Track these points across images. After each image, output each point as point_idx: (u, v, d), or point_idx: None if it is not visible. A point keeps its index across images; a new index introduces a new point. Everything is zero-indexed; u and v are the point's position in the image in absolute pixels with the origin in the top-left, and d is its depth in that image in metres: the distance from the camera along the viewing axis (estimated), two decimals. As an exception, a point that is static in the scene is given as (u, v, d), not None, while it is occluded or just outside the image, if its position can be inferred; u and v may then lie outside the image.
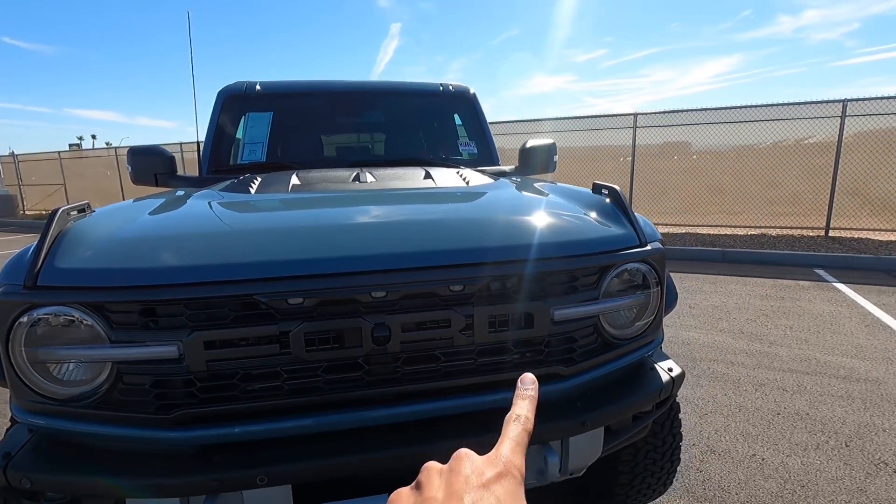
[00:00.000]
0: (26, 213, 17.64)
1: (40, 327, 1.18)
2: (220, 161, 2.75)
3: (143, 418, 1.21)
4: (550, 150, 3.03)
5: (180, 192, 2.02)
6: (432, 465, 0.42)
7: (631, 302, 1.48)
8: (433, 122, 3.20)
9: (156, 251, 1.27)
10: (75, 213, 1.43)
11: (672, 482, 2.06)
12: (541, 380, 1.47)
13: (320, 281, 1.21)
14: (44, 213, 16.61)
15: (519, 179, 2.41)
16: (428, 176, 2.15)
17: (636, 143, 9.89)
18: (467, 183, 2.07)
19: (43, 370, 1.20)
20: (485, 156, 3.02)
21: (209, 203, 1.70)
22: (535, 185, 2.18)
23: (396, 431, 1.31)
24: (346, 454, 1.25)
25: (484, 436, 1.31)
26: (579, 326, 1.43)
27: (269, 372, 1.25)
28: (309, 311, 1.23)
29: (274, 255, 1.24)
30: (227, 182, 2.19)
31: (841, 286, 5.95)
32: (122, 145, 17.79)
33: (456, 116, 3.27)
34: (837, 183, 8.32)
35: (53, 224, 1.28)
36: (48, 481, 1.20)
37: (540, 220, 1.51)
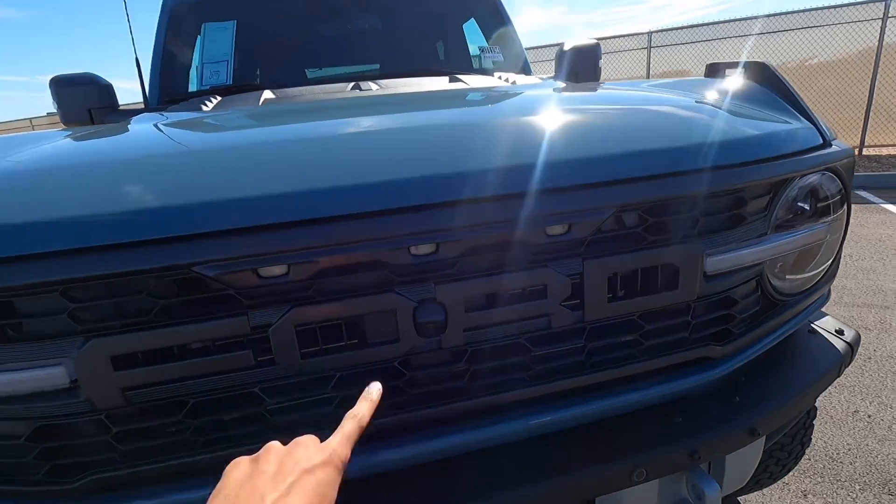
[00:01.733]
0: None
1: None
2: (173, 89, 2.10)
3: (27, 491, 0.69)
4: (595, 52, 2.38)
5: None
6: (273, 444, 0.51)
7: (813, 236, 0.93)
8: (445, 27, 2.51)
9: (13, 198, 0.70)
10: None
11: (796, 466, 1.60)
12: (678, 369, 0.93)
13: (318, 231, 0.65)
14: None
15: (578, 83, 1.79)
16: (456, 80, 1.53)
17: (650, 69, 9.01)
18: (514, 84, 1.45)
19: None
20: (514, 65, 2.36)
21: (129, 128, 1.10)
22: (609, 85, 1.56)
23: (460, 472, 0.79)
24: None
25: (589, 470, 0.80)
26: (740, 280, 0.88)
27: (241, 396, 0.71)
28: (300, 287, 0.68)
29: (230, 191, 0.67)
30: (171, 108, 1.57)
31: (890, 206, 5.41)
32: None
33: (473, 22, 2.58)
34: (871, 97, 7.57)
35: None
36: None
37: (670, 118, 0.93)
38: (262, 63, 2.27)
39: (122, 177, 0.71)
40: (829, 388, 2.34)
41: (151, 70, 2.15)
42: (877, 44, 7.39)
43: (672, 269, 0.80)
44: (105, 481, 0.69)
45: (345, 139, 0.83)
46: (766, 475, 1.50)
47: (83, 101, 1.97)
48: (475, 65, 2.45)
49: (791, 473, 1.90)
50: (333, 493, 0.47)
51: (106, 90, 1.98)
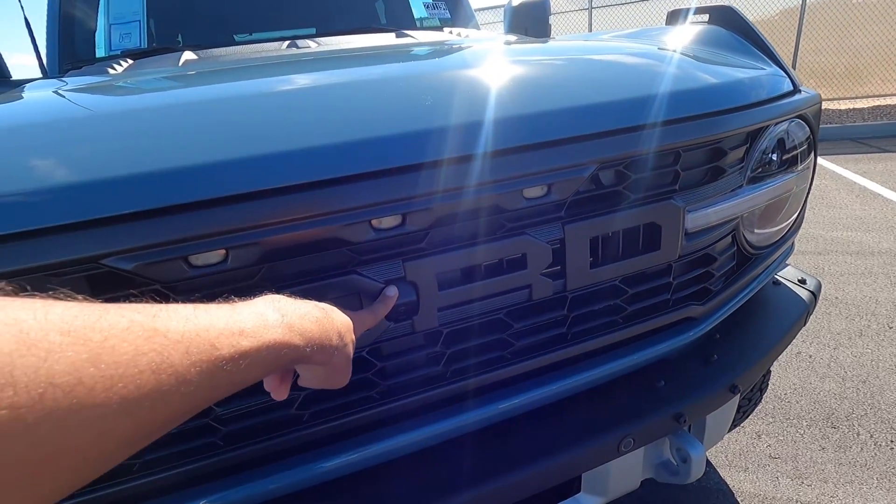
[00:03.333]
0: None
1: None
2: (75, 56, 1.83)
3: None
4: (544, 8, 2.28)
5: None
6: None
7: (785, 186, 0.91)
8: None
9: None
10: None
11: (752, 413, 1.67)
12: (660, 332, 0.77)
13: (260, 207, 0.54)
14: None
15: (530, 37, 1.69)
16: (403, 35, 1.40)
17: (592, 31, 9.01)
18: (468, 38, 1.35)
19: None
20: (462, 19, 2.23)
21: (22, 95, 0.91)
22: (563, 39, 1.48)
23: (431, 464, 0.73)
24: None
25: (576, 448, 0.76)
26: (718, 236, 0.85)
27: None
28: (243, 276, 0.57)
29: (143, 164, 0.54)
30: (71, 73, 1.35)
31: (819, 159, 5.76)
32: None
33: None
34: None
35: None
36: None
37: (643, 66, 0.86)
38: (181, 26, 2.02)
39: (10, 150, 0.56)
40: (774, 332, 2.48)
41: (48, 35, 1.86)
42: (800, 4, 7.71)
43: (654, 229, 0.75)
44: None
45: (285, 99, 0.70)
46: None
47: (-35, 69, 1.69)
48: (421, 26, 2.30)
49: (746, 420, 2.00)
50: (320, 336, 0.45)
51: None
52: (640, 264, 0.77)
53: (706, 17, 1.11)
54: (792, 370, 2.24)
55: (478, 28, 2.28)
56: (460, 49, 1.08)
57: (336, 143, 0.58)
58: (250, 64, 1.04)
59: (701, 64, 0.89)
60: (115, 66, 1.23)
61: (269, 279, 0.58)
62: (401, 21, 2.28)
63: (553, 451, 0.74)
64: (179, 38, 2.00)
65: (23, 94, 0.90)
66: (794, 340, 2.28)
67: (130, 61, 1.30)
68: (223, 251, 0.55)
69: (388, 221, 0.60)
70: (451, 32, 1.67)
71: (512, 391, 0.75)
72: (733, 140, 0.81)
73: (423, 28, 2.21)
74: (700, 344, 0.92)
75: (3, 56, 1.76)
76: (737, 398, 0.96)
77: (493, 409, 0.74)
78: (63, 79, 1.13)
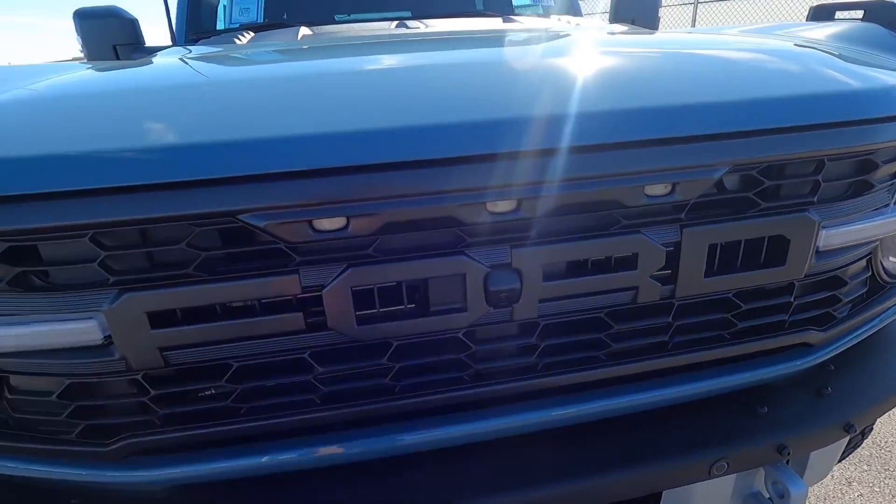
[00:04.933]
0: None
1: None
2: (200, 27, 1.98)
3: (60, 451, 0.64)
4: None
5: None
6: None
7: (940, 210, 0.80)
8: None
9: (37, 130, 0.61)
10: None
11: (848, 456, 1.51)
12: (769, 355, 0.66)
13: (383, 179, 0.56)
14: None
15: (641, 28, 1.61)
16: (510, 20, 1.38)
17: (695, 26, 8.43)
18: (578, 26, 1.30)
19: None
20: (565, 7, 2.16)
21: (158, 62, 0.99)
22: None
23: (516, 457, 0.72)
24: (440, 497, 0.68)
25: (664, 461, 0.72)
26: (852, 258, 0.77)
27: (291, 363, 0.64)
28: (359, 244, 0.59)
29: (280, 129, 0.57)
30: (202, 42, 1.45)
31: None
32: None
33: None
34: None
35: None
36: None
37: (785, 65, 0.79)
38: (290, 5, 2.11)
39: (157, 111, 0.61)
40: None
41: (178, 9, 2.02)
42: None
43: (781, 242, 0.69)
44: (141, 445, 0.63)
45: (407, 77, 0.71)
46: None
47: (107, 35, 1.86)
48: (517, 11, 2.25)
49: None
50: None
51: (131, 25, 1.86)
52: (760, 279, 0.71)
53: (859, 13, 0.99)
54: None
55: (581, 14, 2.20)
56: (574, 39, 1.04)
57: (459, 122, 0.58)
58: (366, 41, 1.07)
59: (852, 65, 0.79)
60: (241, 36, 1.31)
61: (381, 251, 0.59)
62: (498, 6, 2.24)
63: (637, 462, 0.71)
64: (285, 16, 2.09)
65: (167, 60, 0.98)
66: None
67: (251, 34, 1.38)
68: (345, 219, 0.56)
69: (503, 206, 0.59)
70: (558, 20, 1.62)
71: (601, 394, 0.73)
72: (887, 153, 0.72)
73: (522, 14, 2.17)
74: (813, 373, 0.84)
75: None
76: (847, 438, 0.88)
77: (580, 408, 0.72)
78: (193, 48, 1.22)
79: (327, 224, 0.57)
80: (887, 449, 1.86)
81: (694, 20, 8.55)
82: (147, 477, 0.65)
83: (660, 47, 0.93)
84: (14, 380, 0.62)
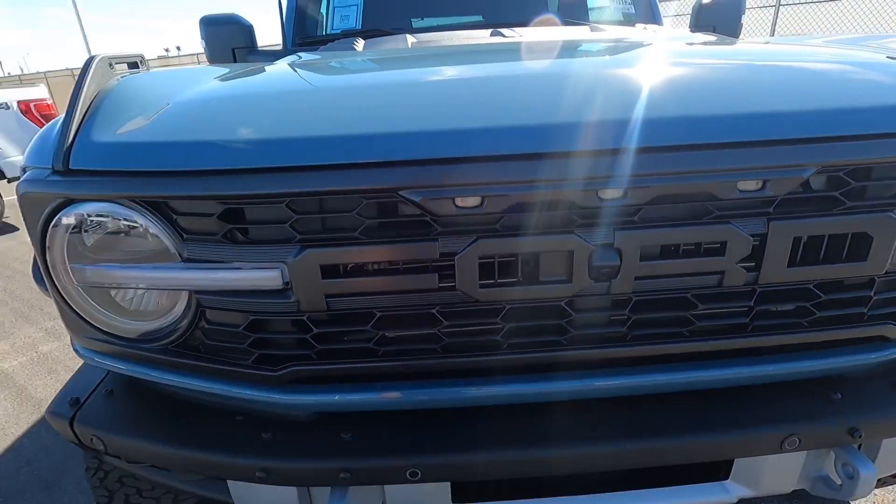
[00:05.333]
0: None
1: (84, 234, 0.77)
2: (306, 31, 2.20)
3: (239, 372, 0.81)
4: (738, 6, 2.17)
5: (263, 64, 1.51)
6: None
7: None
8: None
9: (246, 119, 0.79)
10: (124, 66, 0.97)
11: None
12: (848, 344, 0.77)
13: (512, 168, 0.68)
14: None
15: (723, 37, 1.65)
16: (597, 30, 1.48)
17: (775, 30, 8.04)
18: (664, 36, 1.38)
19: (98, 296, 0.82)
20: (646, 15, 2.22)
21: (307, 64, 1.17)
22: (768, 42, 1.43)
23: (608, 414, 0.83)
24: (536, 446, 0.80)
25: (740, 431, 0.80)
26: (934, 259, 0.81)
27: (422, 316, 0.78)
28: (489, 219, 0.72)
29: (433, 122, 0.71)
30: (321, 48, 1.64)
31: None
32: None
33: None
34: None
35: (88, 78, 0.83)
36: (125, 447, 0.87)
37: (874, 75, 0.84)
38: (377, 11, 2.29)
39: (334, 106, 0.77)
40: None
41: (287, 11, 2.24)
42: None
43: (864, 239, 0.75)
44: (302, 374, 0.79)
45: (528, 81, 0.84)
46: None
47: (227, 40, 2.11)
48: (595, 17, 2.31)
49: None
50: None
51: (248, 31, 2.11)
52: (841, 272, 0.77)
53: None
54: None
55: (661, 23, 2.24)
56: (673, 47, 1.13)
57: (575, 122, 0.70)
58: (475, 49, 1.20)
59: None
60: (356, 43, 1.48)
61: (505, 227, 0.72)
62: (574, 12, 2.32)
63: (716, 428, 0.80)
64: (370, 21, 2.26)
65: (285, 65, 1.15)
66: None
67: (362, 40, 1.55)
68: (480, 198, 0.69)
69: (611, 193, 0.70)
70: (644, 28, 1.69)
71: (684, 367, 0.82)
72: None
73: (600, 21, 2.24)
74: (890, 368, 0.89)
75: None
76: (922, 434, 0.91)
77: (666, 378, 0.81)
78: (319, 54, 1.40)
79: (466, 202, 0.70)
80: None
81: (774, 25, 8.16)
82: (303, 401, 0.81)
83: (751, 58, 1.01)
84: (210, 314, 0.80)
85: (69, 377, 2.86)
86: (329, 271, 0.73)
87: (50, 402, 0.96)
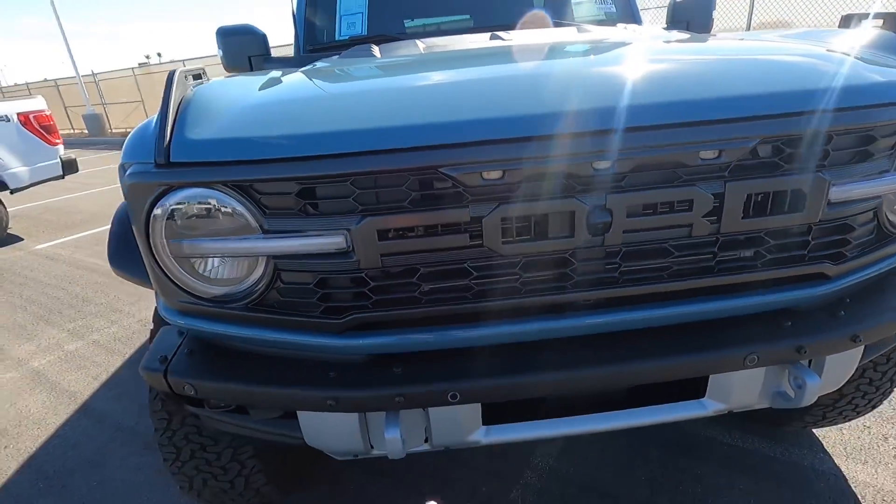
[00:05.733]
0: (113, 131, 18.53)
1: (181, 215, 0.96)
2: (315, 39, 2.39)
3: (308, 322, 1.01)
4: (709, 3, 2.39)
5: (295, 68, 1.70)
6: None
7: (933, 175, 1.04)
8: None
9: (311, 115, 0.98)
10: (191, 79, 1.15)
11: (883, 402, 1.72)
12: (796, 281, 1.09)
13: (526, 147, 0.88)
14: (129, 130, 17.33)
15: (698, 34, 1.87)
16: (584, 31, 1.68)
17: (752, 19, 8.33)
18: (644, 35, 1.59)
19: (189, 266, 1.01)
20: (626, 14, 2.43)
21: (344, 66, 1.36)
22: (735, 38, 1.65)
23: (606, 345, 1.03)
24: (549, 370, 1.00)
25: (711, 352, 1.01)
26: (858, 211, 1.03)
27: (456, 270, 0.97)
28: (508, 189, 0.92)
29: (462, 113, 0.91)
30: (338, 54, 1.84)
31: None
32: (189, 58, 17.80)
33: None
34: None
35: (174, 88, 1.01)
36: (213, 389, 1.06)
37: (807, 63, 1.05)
38: (375, 15, 2.47)
39: (383, 101, 0.97)
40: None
41: (297, 19, 2.43)
42: None
43: (800, 195, 0.96)
44: (360, 320, 0.99)
45: (536, 78, 1.04)
46: (850, 408, 1.64)
47: (244, 49, 2.30)
48: (578, 14, 2.51)
49: (873, 418, 2.01)
50: None
51: (263, 39, 2.29)
52: (784, 221, 0.98)
53: (881, 22, 1.23)
54: (938, 386, 2.16)
55: (641, 22, 2.46)
56: (652, 45, 1.34)
57: (573, 109, 0.90)
58: (482, 52, 1.40)
59: (862, 63, 1.05)
60: (372, 49, 1.68)
61: (522, 194, 0.92)
62: (560, 12, 2.52)
63: (691, 351, 1.00)
64: (382, 21, 2.43)
65: (356, 67, 1.34)
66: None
67: (376, 46, 1.74)
68: (502, 172, 0.89)
69: (602, 164, 0.91)
70: (625, 28, 1.90)
71: (666, 305, 1.02)
72: (884, 130, 0.98)
73: (582, 20, 2.45)
74: (831, 303, 1.10)
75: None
76: (857, 353, 1.13)
77: (651, 313, 1.02)
78: (342, 60, 1.60)
79: (490, 175, 0.90)
80: (925, 412, 2.02)
81: (750, 17, 8.45)
82: (362, 343, 1.00)
83: (713, 53, 1.22)
84: (285, 275, 0.99)
85: (100, 370, 3.07)
86: (383, 235, 0.93)
87: (142, 359, 1.14)
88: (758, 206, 0.98)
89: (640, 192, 0.93)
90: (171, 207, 0.95)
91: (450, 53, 1.44)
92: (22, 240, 5.72)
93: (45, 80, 22.90)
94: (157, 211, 0.95)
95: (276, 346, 1.06)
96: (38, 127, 5.66)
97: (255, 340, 1.06)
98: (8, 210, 5.78)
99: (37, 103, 5.76)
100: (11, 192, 5.54)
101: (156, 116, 1.02)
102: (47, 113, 5.80)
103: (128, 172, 0.97)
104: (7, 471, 2.16)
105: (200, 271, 1.01)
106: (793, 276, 1.04)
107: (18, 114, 5.54)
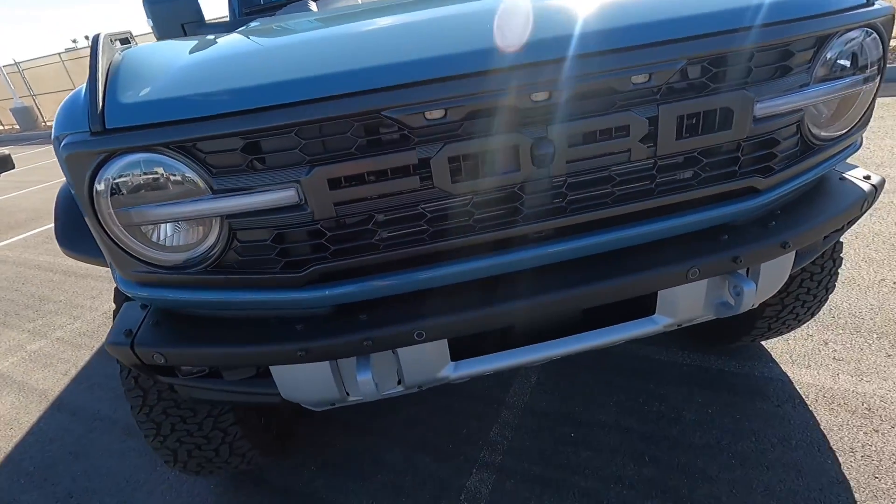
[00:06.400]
0: (47, 123, 17.36)
1: (125, 183, 0.94)
2: (251, 1, 2.29)
3: (270, 279, 1.02)
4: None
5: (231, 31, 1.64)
6: None
7: (847, 87, 1.11)
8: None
9: (249, 69, 0.97)
10: (118, 43, 1.11)
11: (819, 311, 1.87)
12: (729, 196, 1.18)
13: (465, 84, 0.90)
14: (64, 121, 16.19)
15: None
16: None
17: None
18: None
19: (142, 234, 1.00)
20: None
21: (282, 23, 1.33)
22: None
23: (559, 272, 1.09)
24: (507, 301, 1.05)
25: (656, 269, 1.08)
26: (782, 124, 1.09)
27: (410, 213, 1.00)
28: (452, 127, 0.94)
29: (400, 55, 0.92)
30: (278, 13, 1.78)
31: (948, 99, 5.19)
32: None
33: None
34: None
35: (100, 53, 0.97)
36: (181, 355, 1.07)
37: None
38: None
39: (322, 50, 0.96)
40: (860, 262, 2.56)
41: None
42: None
43: (727, 113, 1.02)
44: (321, 272, 1.01)
45: (474, 14, 1.05)
46: (791, 317, 1.78)
47: (176, 16, 2.19)
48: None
49: (814, 327, 2.18)
50: None
51: (195, 5, 2.18)
52: (715, 140, 1.04)
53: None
54: (872, 294, 2.35)
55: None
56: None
57: (509, 43, 0.92)
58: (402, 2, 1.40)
59: None
60: (310, 2, 1.63)
61: (466, 132, 0.94)
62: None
63: (638, 270, 1.07)
64: None
65: (293, 22, 1.31)
66: (881, 269, 2.37)
67: (313, 1, 1.70)
68: (444, 111, 0.91)
69: (542, 96, 0.93)
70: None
71: (612, 229, 1.08)
72: (801, 44, 1.04)
73: None
74: (763, 216, 1.18)
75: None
76: (790, 259, 1.23)
77: (598, 239, 1.07)
78: (281, 16, 1.55)
79: (433, 115, 0.91)
80: (860, 317, 2.21)
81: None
82: (324, 294, 1.03)
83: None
84: (240, 234, 0.99)
85: (69, 366, 3.01)
86: (334, 184, 0.94)
87: (105, 337, 1.13)
88: (690, 127, 1.03)
89: (579, 121, 0.96)
90: (114, 176, 0.93)
91: (386, 2, 1.42)
92: (-36, 245, 5.41)
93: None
94: (100, 181, 0.93)
95: (240, 307, 1.07)
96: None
97: (219, 304, 1.07)
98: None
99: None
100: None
101: (85, 85, 0.98)
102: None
103: (63, 143, 0.94)
104: (-16, 472, 2.13)
105: (154, 239, 1.00)
106: (726, 192, 1.11)
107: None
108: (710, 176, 1.08)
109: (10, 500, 1.97)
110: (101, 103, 0.92)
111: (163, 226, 1.00)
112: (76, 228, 1.17)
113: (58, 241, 1.28)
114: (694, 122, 1.03)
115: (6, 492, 2.01)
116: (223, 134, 0.88)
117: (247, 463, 1.64)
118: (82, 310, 3.46)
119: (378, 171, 0.95)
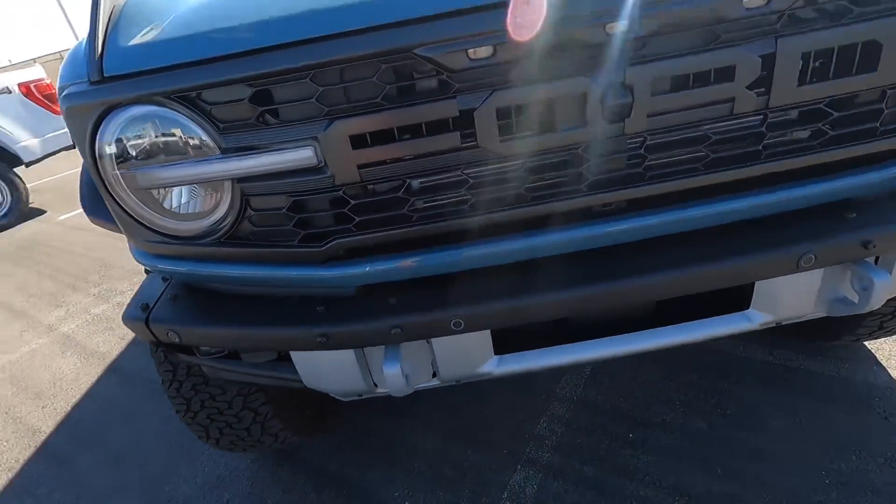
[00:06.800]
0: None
1: (128, 140, 0.83)
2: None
3: (287, 253, 0.89)
4: None
5: None
6: None
7: None
8: None
9: (254, 8, 0.82)
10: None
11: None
12: (863, 163, 0.80)
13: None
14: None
15: None
16: None
17: None
18: None
19: (150, 199, 0.89)
20: None
21: None
22: None
23: (629, 255, 0.88)
24: (564, 287, 0.86)
25: (757, 254, 0.85)
26: (949, 66, 0.81)
27: (448, 179, 0.83)
28: (502, 70, 0.75)
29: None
30: None
31: None
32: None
33: None
34: None
35: None
36: (196, 334, 0.97)
37: None
38: None
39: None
40: None
41: None
42: None
43: (874, 48, 0.76)
44: (344, 246, 0.86)
45: None
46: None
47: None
48: None
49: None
50: None
51: None
52: (852, 86, 0.79)
53: None
54: None
55: None
56: None
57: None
58: None
59: None
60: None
61: (517, 76, 0.75)
62: None
63: (734, 254, 0.85)
64: None
65: None
66: None
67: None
68: (492, 48, 0.72)
69: (618, 27, 0.72)
70: None
71: (702, 203, 0.86)
72: None
73: None
74: (904, 186, 0.91)
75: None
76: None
77: (684, 214, 0.86)
78: None
79: (479, 53, 0.73)
80: None
81: None
82: (347, 273, 0.89)
83: None
84: (254, 201, 0.86)
85: (126, 331, 3.04)
86: (358, 142, 0.78)
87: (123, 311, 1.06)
88: (818, 69, 0.78)
89: (668, 61, 0.74)
90: (116, 133, 0.82)
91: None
92: (45, 212, 5.80)
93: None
94: (102, 138, 0.83)
95: (256, 282, 0.96)
96: (40, 96, 5.57)
97: (233, 279, 0.95)
98: (28, 185, 5.82)
99: (35, 72, 5.65)
100: (27, 166, 5.56)
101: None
102: (47, 81, 5.69)
103: (62, 95, 0.84)
104: (45, 430, 2.22)
105: (161, 203, 0.89)
106: (859, 156, 0.85)
107: (19, 84, 5.44)
108: (838, 135, 0.83)
109: (66, 458, 2.04)
110: (100, 49, 0.81)
111: (171, 190, 0.88)
112: (97, 194, 1.09)
113: (83, 207, 1.22)
114: (824, 61, 0.78)
115: (63, 450, 2.08)
116: (227, 80, 0.74)
117: (280, 442, 1.57)
118: (142, 277, 3.58)
119: (410, 126, 0.78)
